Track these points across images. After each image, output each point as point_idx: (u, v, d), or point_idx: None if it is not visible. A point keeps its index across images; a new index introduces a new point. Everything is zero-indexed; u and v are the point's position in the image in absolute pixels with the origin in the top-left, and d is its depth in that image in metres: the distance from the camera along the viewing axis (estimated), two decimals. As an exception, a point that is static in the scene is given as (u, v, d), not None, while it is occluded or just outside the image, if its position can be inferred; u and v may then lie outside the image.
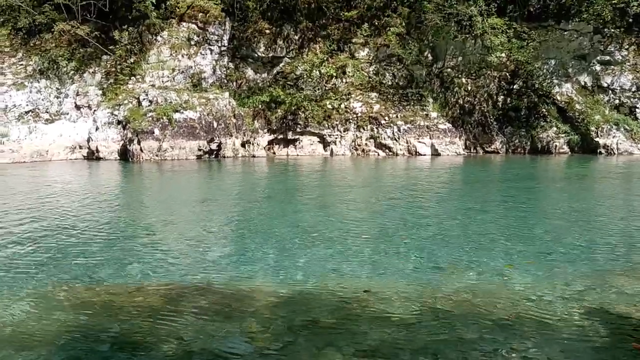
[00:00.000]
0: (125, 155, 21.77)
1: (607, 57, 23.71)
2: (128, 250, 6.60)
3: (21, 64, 23.51)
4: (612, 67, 23.67)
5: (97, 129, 22.43)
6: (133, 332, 4.13)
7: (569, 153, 22.50)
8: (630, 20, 22.77)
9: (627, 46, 23.66)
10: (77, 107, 23.24)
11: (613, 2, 21.76)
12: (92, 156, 22.15)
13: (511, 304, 4.60)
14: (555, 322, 4.21)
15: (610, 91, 23.65)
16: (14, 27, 23.77)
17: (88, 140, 22.45)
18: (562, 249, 6.48)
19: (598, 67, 23.76)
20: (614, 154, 21.87)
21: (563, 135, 23.07)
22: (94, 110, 23.00)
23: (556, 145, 22.86)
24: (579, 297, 4.78)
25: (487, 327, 4.13)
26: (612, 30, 23.19)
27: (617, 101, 23.53)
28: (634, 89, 23.38)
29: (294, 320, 4.31)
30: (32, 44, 23.82)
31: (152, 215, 9.39)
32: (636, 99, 23.31)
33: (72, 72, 23.68)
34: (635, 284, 5.12)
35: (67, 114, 23.08)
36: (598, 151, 22.13)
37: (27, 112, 22.57)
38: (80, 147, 22.71)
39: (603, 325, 4.18)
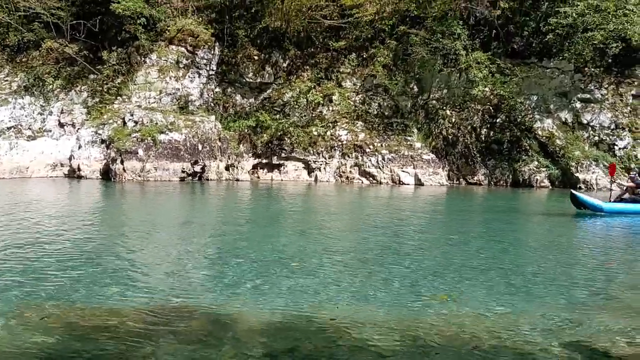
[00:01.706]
0: (107, 174, 21.54)
1: (587, 95, 24.35)
2: (105, 272, 6.48)
3: (6, 80, 23.34)
4: (592, 104, 24.29)
5: (80, 147, 22.22)
6: (108, 355, 4.03)
7: (550, 187, 22.84)
8: (610, 60, 23.49)
9: (607, 85, 24.36)
10: (61, 125, 23.04)
11: (593, 42, 22.45)
12: (74, 174, 21.88)
13: (490, 335, 4.60)
14: (534, 353, 4.21)
15: (589, 128, 24.21)
16: (1, 44, 23.68)
17: (70, 159, 22.21)
18: (541, 281, 6.52)
19: (578, 105, 24.36)
20: (594, 189, 22.24)
21: (544, 169, 23.45)
22: (78, 129, 22.83)
23: (537, 179, 23.19)
24: (558, 330, 4.80)
25: (466, 358, 4.11)
26: (592, 69, 23.87)
27: (596, 138, 24.07)
28: (612, 126, 23.99)
29: (272, 346, 4.26)
30: (18, 61, 23.71)
31: (131, 236, 9.26)
32: (614, 137, 23.88)
33: (58, 89, 23.55)
34: (613, 319, 5.16)
35: (50, 131, 22.87)
36: (578, 186, 22.48)
37: (9, 128, 22.31)
38: (62, 165, 22.44)
39: (581, 357, 4.19)
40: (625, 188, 14.06)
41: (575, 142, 23.80)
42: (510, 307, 5.44)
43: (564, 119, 24.44)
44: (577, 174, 22.90)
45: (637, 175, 14.08)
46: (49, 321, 4.70)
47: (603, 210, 13.16)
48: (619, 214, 13.13)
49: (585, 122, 24.23)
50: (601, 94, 24.32)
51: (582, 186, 22.49)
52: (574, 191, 14.63)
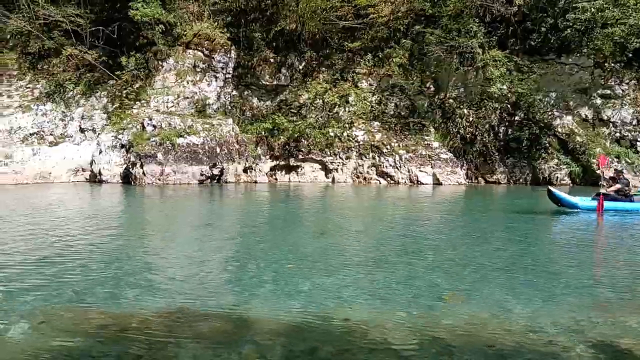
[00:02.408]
0: (127, 178, 21.83)
1: (608, 91, 23.94)
2: (127, 274, 6.58)
3: (28, 87, 23.80)
4: (613, 100, 23.88)
5: (100, 152, 22.56)
6: (130, 357, 4.10)
7: (570, 185, 22.53)
8: (630, 55, 23.06)
9: (627, 80, 23.92)
10: (82, 131, 23.42)
11: (613, 37, 22.08)
12: (95, 179, 22.22)
13: (511, 334, 4.56)
14: (557, 353, 4.17)
15: (610, 124, 23.81)
16: (23, 52, 24.15)
17: (91, 164, 22.55)
18: (564, 280, 6.45)
19: (599, 101, 23.97)
20: (616, 186, 21.87)
21: (564, 166, 23.13)
22: (98, 134, 23.17)
23: (558, 177, 22.90)
24: (581, 330, 4.74)
25: (486, 358, 4.09)
26: (612, 64, 23.48)
27: (617, 134, 23.68)
28: (634, 122, 23.55)
29: (292, 347, 4.28)
30: (39, 68, 24.15)
31: (152, 239, 9.38)
32: (637, 132, 23.45)
33: (79, 96, 23.94)
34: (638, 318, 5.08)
35: (72, 136, 23.25)
36: (599, 183, 22.13)
37: (31, 134, 22.75)
38: (83, 170, 22.80)
39: (605, 357, 4.14)
40: (609, 184, 13.91)
41: (596, 139, 23.43)
42: (532, 306, 5.39)
43: (584, 116, 24.08)
44: (598, 171, 22.53)
45: (621, 172, 13.99)
46: (71, 324, 4.79)
47: (579, 207, 12.99)
48: (595, 211, 12.92)
49: (606, 118, 23.84)
50: (622, 90, 23.89)
51: (604, 183, 22.13)
52: (550, 187, 14.57)
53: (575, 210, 13.02)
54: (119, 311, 5.15)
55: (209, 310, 5.18)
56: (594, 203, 13.07)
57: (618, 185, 13.56)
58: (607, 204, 12.97)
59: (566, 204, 13.18)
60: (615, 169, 14.17)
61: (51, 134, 23.11)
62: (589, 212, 12.87)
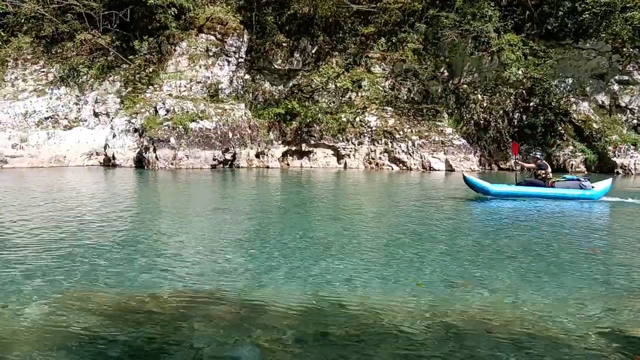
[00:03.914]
0: (140, 162, 22.00)
1: (626, 77, 23.54)
2: (140, 257, 6.65)
3: (42, 71, 23.97)
4: (631, 86, 23.49)
5: (114, 136, 22.73)
6: (144, 337, 4.15)
7: (585, 172, 22.27)
8: (650, 40, 22.65)
9: (646, 66, 23.51)
10: (96, 115, 23.59)
11: (633, 21, 21.63)
12: (108, 163, 22.42)
13: (523, 322, 4.55)
14: (570, 342, 4.15)
15: (628, 111, 23.45)
16: (37, 36, 24.28)
17: (105, 147, 22.75)
18: (576, 268, 6.40)
19: (616, 87, 23.58)
20: (632, 174, 21.60)
21: (580, 154, 22.87)
22: (112, 118, 23.33)
23: (572, 164, 22.66)
24: (593, 318, 4.71)
25: (499, 345, 4.08)
26: (631, 49, 23.05)
27: (635, 121, 23.32)
28: (652, 109, 23.19)
29: (304, 331, 4.30)
30: (53, 52, 24.30)
31: (165, 223, 9.46)
32: (655, 120, 23.10)
33: (92, 80, 24.08)
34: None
35: (86, 121, 23.44)
36: (615, 171, 21.88)
37: (46, 118, 22.97)
38: (97, 154, 23.02)
39: (617, 346, 4.11)
40: (525, 168, 14.01)
41: (612, 126, 23.11)
42: (544, 293, 5.36)
43: (600, 102, 23.73)
44: (614, 159, 22.27)
45: (539, 155, 13.86)
46: (84, 306, 4.86)
47: (490, 192, 12.85)
48: (507, 196, 12.81)
49: (623, 104, 23.47)
50: (640, 75, 23.48)
51: (620, 171, 21.87)
52: (465, 173, 15.05)
53: (489, 196, 12.86)
54: (131, 293, 5.21)
55: (221, 293, 5.23)
56: (505, 188, 13.05)
57: (532, 165, 13.77)
58: (521, 189, 12.90)
59: (479, 190, 13.06)
60: (534, 156, 14.13)
61: (65, 118, 23.31)
62: (500, 198, 12.76)
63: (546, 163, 13.74)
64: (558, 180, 13.11)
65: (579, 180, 13.05)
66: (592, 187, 12.81)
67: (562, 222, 10.10)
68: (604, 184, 13.02)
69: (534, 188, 12.89)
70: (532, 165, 13.85)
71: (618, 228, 9.75)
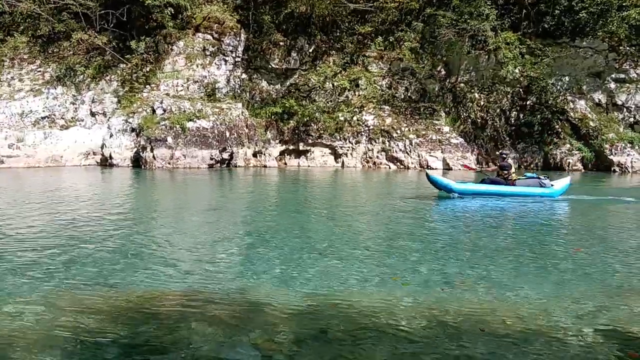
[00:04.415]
0: (137, 162, 21.96)
1: (622, 75, 23.60)
2: (138, 257, 6.64)
3: (39, 71, 23.90)
4: (627, 85, 23.54)
5: (111, 135, 22.68)
6: (141, 337, 4.15)
7: (582, 170, 22.33)
8: (646, 38, 22.71)
9: (643, 64, 23.57)
10: (92, 114, 23.53)
11: (629, 20, 21.68)
12: (105, 162, 22.38)
13: (520, 320, 4.56)
14: (566, 339, 4.17)
15: (624, 109, 23.51)
16: (34, 35, 24.20)
17: (102, 147, 22.69)
18: (573, 266, 6.42)
19: (613, 85, 23.64)
20: (629, 172, 21.66)
21: (576, 152, 22.93)
22: (109, 118, 23.27)
23: (569, 162, 22.71)
24: (591, 315, 4.72)
25: (496, 344, 4.09)
26: (627, 48, 23.10)
27: (631, 119, 23.38)
28: (649, 107, 23.25)
29: (301, 331, 4.31)
30: (50, 52, 24.21)
31: (162, 223, 9.45)
32: (651, 118, 23.17)
33: (89, 79, 24.01)
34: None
35: (82, 120, 23.38)
36: (612, 169, 21.94)
37: (43, 118, 22.90)
38: (94, 154, 22.97)
39: (612, 343, 4.12)
40: (491, 170, 14.55)
41: (609, 124, 23.17)
42: (541, 291, 5.37)
43: (597, 100, 23.78)
44: (611, 157, 22.33)
45: (505, 155, 13.99)
46: (82, 306, 4.86)
47: (453, 190, 12.95)
48: (470, 194, 12.94)
49: (620, 103, 23.53)
50: (637, 74, 23.55)
51: (617, 169, 21.93)
52: (428, 171, 15.49)
53: (453, 194, 12.94)
54: (130, 293, 5.21)
55: (219, 293, 5.23)
56: (469, 187, 13.25)
57: (495, 167, 14.23)
58: (483, 187, 13.10)
59: (442, 188, 13.15)
60: (501, 153, 14.34)
61: (62, 118, 23.25)
62: (464, 195, 12.88)
63: (510, 164, 13.98)
64: (519, 179, 13.33)
65: (539, 178, 13.34)
66: (552, 185, 13.04)
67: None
68: (563, 182, 13.28)
69: (495, 186, 13.09)
70: (495, 167, 14.26)
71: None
